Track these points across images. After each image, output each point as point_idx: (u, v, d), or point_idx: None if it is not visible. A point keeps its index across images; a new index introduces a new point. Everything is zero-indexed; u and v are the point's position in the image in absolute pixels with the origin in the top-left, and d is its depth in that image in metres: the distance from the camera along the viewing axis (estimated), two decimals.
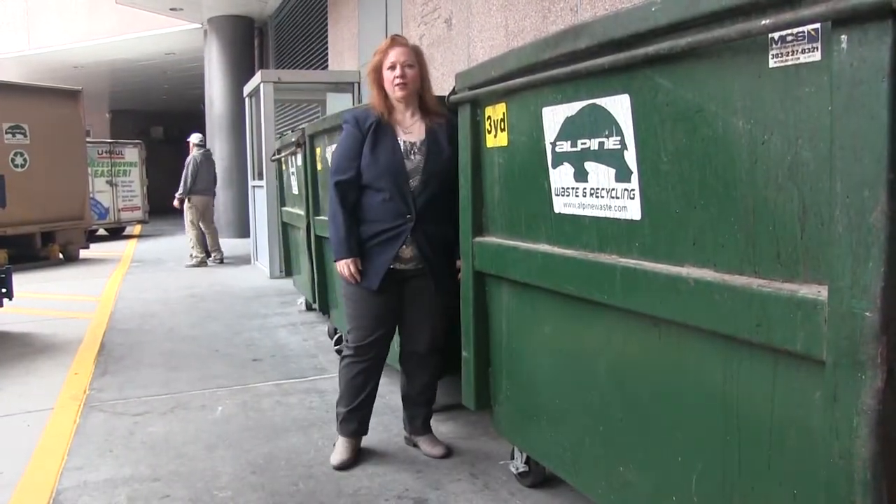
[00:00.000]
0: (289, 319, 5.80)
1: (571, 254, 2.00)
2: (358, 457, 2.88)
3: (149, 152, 15.52)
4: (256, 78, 8.30)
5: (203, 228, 9.29)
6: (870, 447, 1.22)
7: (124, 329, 5.52)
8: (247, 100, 9.18)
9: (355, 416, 2.87)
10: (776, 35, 1.33)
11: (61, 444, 3.13)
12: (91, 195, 11.73)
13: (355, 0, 8.34)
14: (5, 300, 5.00)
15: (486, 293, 2.55)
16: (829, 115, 1.24)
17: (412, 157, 2.72)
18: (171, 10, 12.75)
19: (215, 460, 2.94)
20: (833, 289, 1.26)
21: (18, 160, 9.11)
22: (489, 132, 2.40)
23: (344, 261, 2.73)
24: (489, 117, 2.39)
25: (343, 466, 2.81)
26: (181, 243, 10.68)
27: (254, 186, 9.07)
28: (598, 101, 1.83)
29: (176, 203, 9.30)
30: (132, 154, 14.83)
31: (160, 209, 17.03)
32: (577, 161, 1.94)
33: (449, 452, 2.92)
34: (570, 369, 2.14)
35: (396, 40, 2.76)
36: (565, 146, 1.99)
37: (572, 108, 1.94)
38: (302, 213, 5.07)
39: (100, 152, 14.16)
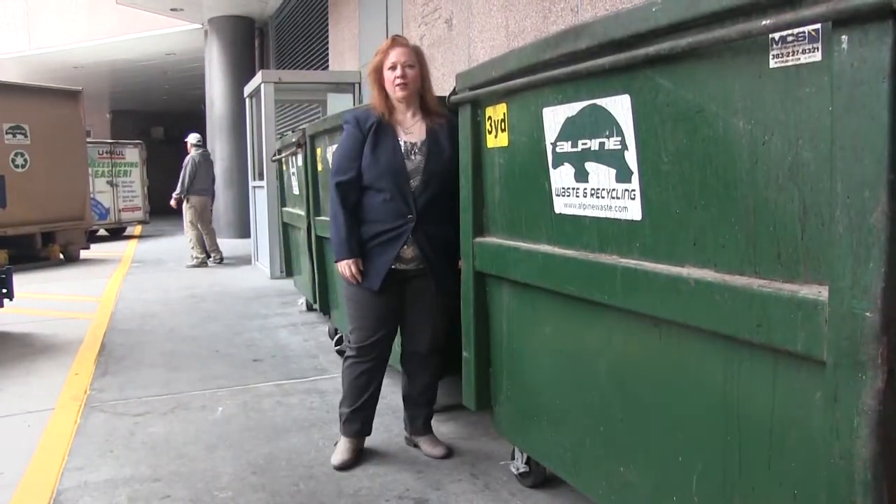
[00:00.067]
0: (289, 320, 5.80)
1: (572, 254, 2.00)
2: (359, 457, 2.88)
3: (149, 153, 15.54)
4: (257, 78, 8.31)
5: (200, 229, 9.29)
6: (870, 447, 1.22)
7: (125, 329, 5.52)
8: (247, 100, 9.19)
9: (358, 417, 2.87)
10: (777, 35, 1.33)
11: (62, 444, 3.13)
12: (91, 195, 11.73)
13: (356, 0, 8.35)
14: (6, 300, 5.00)
15: (487, 293, 2.55)
16: (830, 115, 1.24)
17: (413, 157, 2.72)
18: (172, 10, 12.76)
19: (216, 461, 2.94)
20: (833, 289, 1.26)
21: (19, 160, 9.12)
22: (490, 132, 2.41)
23: (345, 261, 2.73)
24: (490, 117, 2.39)
25: (344, 467, 2.81)
26: (182, 244, 10.68)
27: (254, 187, 9.07)
28: (598, 101, 1.83)
29: (173, 203, 9.29)
30: (133, 154, 14.85)
31: (161, 209, 16.97)
32: (578, 161, 1.94)
33: (450, 453, 2.92)
34: (570, 370, 2.14)
35: (397, 41, 2.76)
36: (566, 146, 1.99)
37: (573, 108, 1.94)
38: (302, 213, 5.07)
39: (100, 153, 14.18)
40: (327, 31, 9.75)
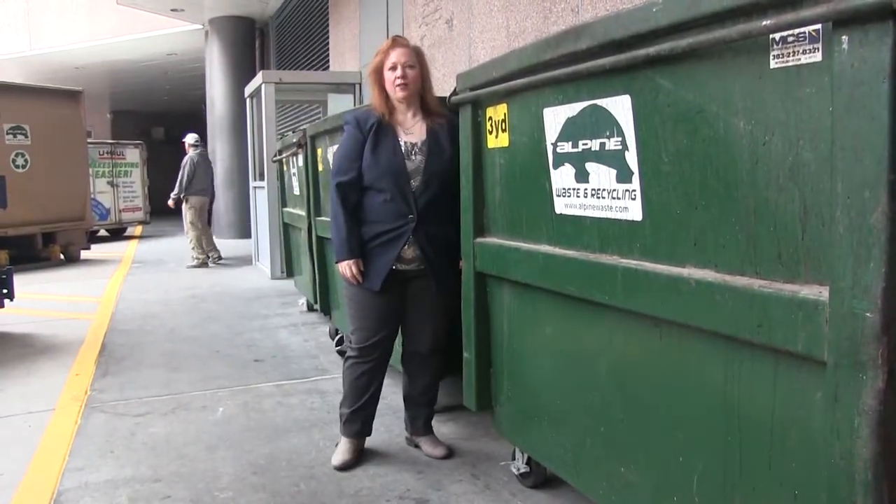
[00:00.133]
0: (290, 320, 5.81)
1: (572, 254, 2.00)
2: (360, 457, 2.88)
3: (150, 153, 15.55)
4: (258, 79, 8.31)
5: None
6: (871, 448, 1.22)
7: (125, 330, 5.52)
8: (248, 100, 9.19)
9: (359, 417, 2.87)
10: (777, 36, 1.33)
11: (62, 444, 3.13)
12: (92, 196, 11.73)
13: (356, 1, 8.35)
14: (6, 301, 5.00)
15: (488, 294, 2.55)
16: (830, 115, 1.24)
17: (413, 157, 2.73)
18: (172, 10, 12.76)
19: (216, 461, 2.94)
20: (834, 289, 1.26)
21: (19, 161, 9.12)
22: (490, 133, 2.41)
23: (346, 262, 2.73)
24: (490, 118, 2.39)
25: (344, 467, 2.81)
26: (182, 244, 10.68)
27: (255, 187, 9.08)
28: (599, 101, 1.83)
29: (170, 203, 9.29)
30: (133, 155, 14.86)
31: (161, 210, 17.00)
32: (579, 162, 1.95)
33: (450, 453, 2.92)
34: (571, 370, 2.14)
35: (397, 41, 2.76)
36: (566, 147, 1.99)
37: (573, 108, 1.94)
38: (303, 213, 5.07)
39: (101, 153, 14.19)
40: (328, 31, 9.76)
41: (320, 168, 4.49)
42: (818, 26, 1.26)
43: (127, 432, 3.28)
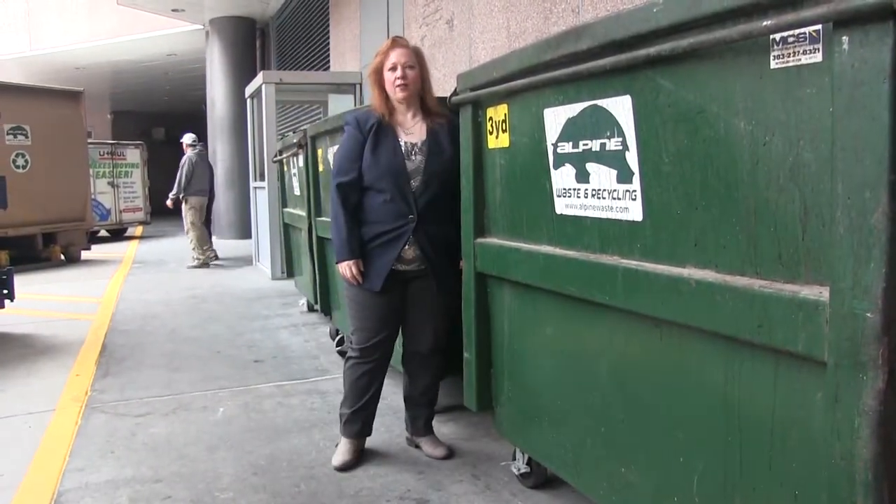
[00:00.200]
0: (290, 321, 5.81)
1: (573, 255, 2.00)
2: (360, 458, 2.88)
3: (150, 153, 15.55)
4: (258, 79, 8.31)
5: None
6: (871, 448, 1.22)
7: (126, 330, 5.53)
8: (248, 101, 9.19)
9: (359, 417, 2.87)
10: (777, 36, 1.33)
11: (63, 445, 3.13)
12: (92, 196, 11.72)
13: (357, 1, 8.35)
14: (7, 301, 5.00)
15: (488, 294, 2.55)
16: (831, 116, 1.24)
17: (413, 157, 2.73)
18: (173, 11, 12.76)
19: (217, 461, 2.94)
20: (834, 290, 1.26)
21: (20, 161, 9.12)
22: (491, 133, 2.41)
23: (346, 262, 2.73)
24: (491, 118, 2.39)
25: (345, 467, 2.81)
26: (183, 244, 10.69)
27: (255, 188, 9.07)
28: (599, 102, 1.83)
29: (169, 203, 9.28)
30: (134, 155, 14.87)
31: (162, 210, 17.03)
32: (579, 162, 1.95)
33: (451, 453, 2.92)
34: (571, 370, 2.14)
35: (397, 42, 2.77)
36: (567, 147, 1.99)
37: (574, 109, 1.94)
38: (303, 214, 5.08)
39: (101, 153, 14.19)
40: (328, 31, 9.76)
41: (321, 168, 4.49)
42: (818, 27, 1.26)
43: (127, 433, 3.28)
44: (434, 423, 3.04)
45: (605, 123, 1.82)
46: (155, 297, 7.00)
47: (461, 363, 2.69)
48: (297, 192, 5.55)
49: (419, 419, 2.99)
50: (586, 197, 1.94)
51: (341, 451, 2.87)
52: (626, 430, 1.91)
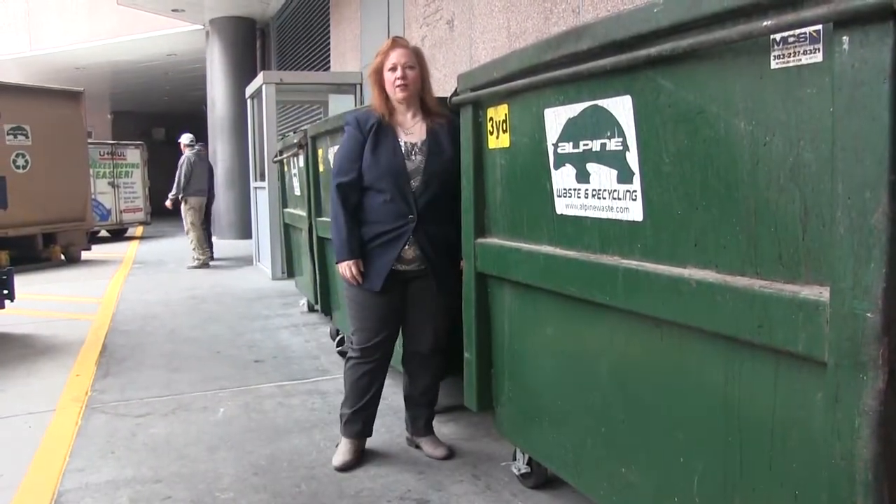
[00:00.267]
0: (291, 321, 5.81)
1: (573, 255, 2.00)
2: (360, 458, 2.88)
3: (150, 154, 15.56)
4: (258, 79, 8.31)
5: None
6: (871, 448, 1.22)
7: (126, 330, 5.53)
8: (249, 101, 9.19)
9: (360, 418, 2.87)
10: (778, 36, 1.33)
11: (63, 445, 3.13)
12: (93, 196, 11.73)
13: (357, 1, 8.35)
14: (7, 301, 5.00)
15: (489, 294, 2.55)
16: (831, 116, 1.24)
17: (413, 157, 2.73)
18: (173, 11, 12.77)
19: (217, 462, 2.94)
20: (835, 290, 1.26)
21: (20, 161, 9.13)
22: (491, 133, 2.41)
23: (346, 262, 2.73)
24: (491, 118, 2.39)
25: (345, 468, 2.81)
26: (183, 245, 10.69)
27: (256, 188, 9.07)
28: (600, 102, 1.83)
29: (168, 203, 9.27)
30: (134, 155, 14.87)
31: (162, 211, 17.04)
32: (579, 162, 1.95)
33: (451, 454, 2.92)
34: (572, 370, 2.14)
35: (397, 42, 2.77)
36: (567, 147, 1.99)
37: (574, 109, 1.94)
38: (304, 214, 5.08)
39: (101, 154, 14.20)
40: (329, 31, 9.76)
41: (321, 169, 4.49)
42: (819, 27, 1.26)
43: (128, 433, 3.28)
44: (434, 423, 3.04)
45: (605, 123, 1.82)
46: (155, 298, 7.00)
47: (461, 363, 2.69)
48: (297, 192, 5.55)
49: (419, 419, 2.99)
50: (587, 197, 1.94)
51: (342, 451, 2.87)
52: (627, 431, 1.91)
